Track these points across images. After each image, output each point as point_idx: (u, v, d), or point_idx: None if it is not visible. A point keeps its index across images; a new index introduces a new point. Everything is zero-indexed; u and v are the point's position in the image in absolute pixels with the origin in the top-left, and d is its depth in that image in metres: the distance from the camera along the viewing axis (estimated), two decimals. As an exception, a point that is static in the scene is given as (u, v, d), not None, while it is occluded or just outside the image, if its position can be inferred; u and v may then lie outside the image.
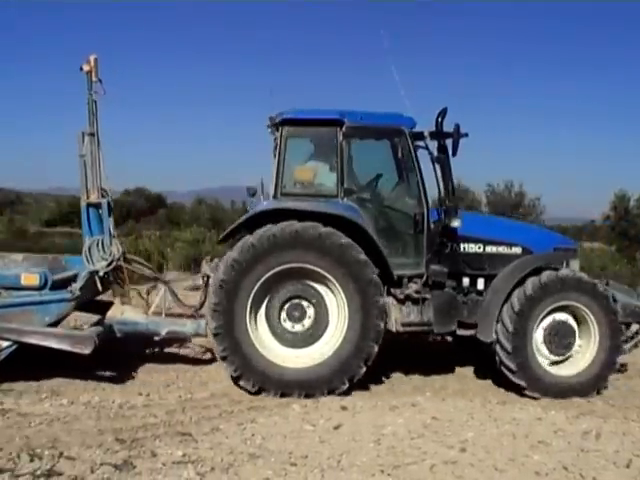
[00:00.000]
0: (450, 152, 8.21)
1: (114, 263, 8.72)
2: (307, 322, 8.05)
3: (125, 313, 8.67)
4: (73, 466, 5.49)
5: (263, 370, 7.79)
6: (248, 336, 7.81)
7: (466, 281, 8.62)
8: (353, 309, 7.83)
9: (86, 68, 8.73)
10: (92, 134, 8.81)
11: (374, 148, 8.99)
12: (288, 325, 8.05)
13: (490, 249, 8.64)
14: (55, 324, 8.14)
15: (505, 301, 8.14)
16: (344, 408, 7.32)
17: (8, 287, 8.15)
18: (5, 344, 7.81)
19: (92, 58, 8.70)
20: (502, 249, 8.65)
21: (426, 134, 8.31)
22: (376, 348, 7.83)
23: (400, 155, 8.48)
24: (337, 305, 7.97)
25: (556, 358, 8.29)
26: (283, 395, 7.75)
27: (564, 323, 8.25)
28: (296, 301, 8.04)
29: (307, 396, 7.73)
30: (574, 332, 8.29)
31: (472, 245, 8.62)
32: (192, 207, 53.62)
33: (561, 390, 8.13)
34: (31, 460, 5.55)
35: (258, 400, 7.66)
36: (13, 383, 7.70)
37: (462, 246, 8.59)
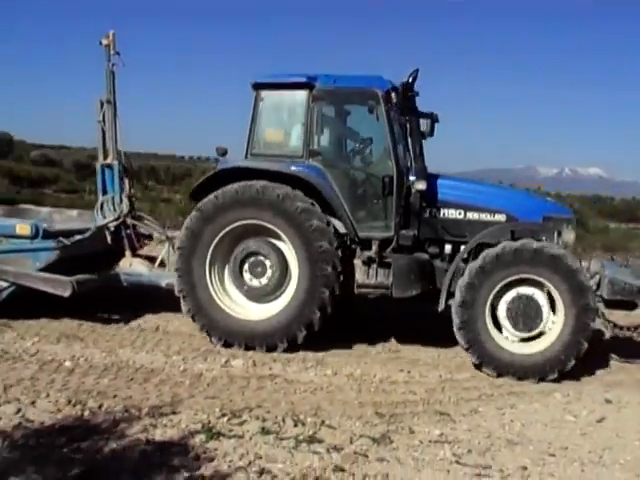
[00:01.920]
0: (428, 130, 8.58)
1: (121, 219, 9.64)
2: (268, 277, 8.25)
3: (132, 265, 9.52)
4: (333, 435, 5.65)
5: (227, 325, 8.17)
6: (210, 294, 8.25)
7: (448, 248, 8.31)
8: (301, 258, 8.02)
9: (105, 42, 9.54)
10: (109, 101, 9.73)
11: (346, 111, 9.05)
12: (250, 280, 8.31)
13: (471, 215, 8.27)
14: (46, 269, 8.81)
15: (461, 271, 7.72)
16: (608, 401, 6.92)
17: (7, 235, 9.04)
18: (4, 285, 8.85)
19: (111, 33, 9.51)
20: (485, 216, 8.25)
21: (394, 96, 8.14)
22: (327, 293, 7.91)
23: (372, 117, 8.24)
24: (292, 257, 8.11)
25: (523, 334, 7.61)
26: (247, 347, 8.06)
27: (528, 297, 7.55)
28: (257, 258, 8.26)
29: (269, 348, 8.01)
30: (540, 307, 7.53)
31: (452, 211, 8.30)
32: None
33: (517, 369, 7.51)
34: (295, 425, 5.79)
35: (519, 385, 7.39)
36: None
37: (442, 212, 8.31)
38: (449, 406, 6.63)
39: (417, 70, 8.18)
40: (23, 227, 9.05)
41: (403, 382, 7.35)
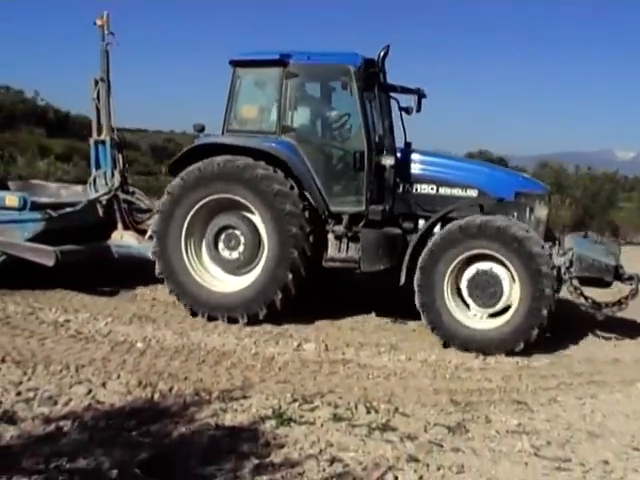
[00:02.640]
0: (416, 108, 8.86)
1: (112, 192, 9.96)
2: (240, 250, 8.39)
3: (123, 237, 9.83)
4: (407, 423, 5.46)
5: (194, 293, 8.44)
6: (182, 261, 8.49)
7: (421, 223, 8.24)
8: (271, 238, 8.16)
9: (99, 22, 9.84)
10: (103, 80, 10.08)
11: (320, 87, 9.13)
12: (225, 253, 8.48)
13: (444, 191, 8.29)
14: (33, 239, 9.11)
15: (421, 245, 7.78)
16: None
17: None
18: None
19: (105, 13, 9.85)
20: (456, 191, 8.26)
21: (367, 72, 8.10)
22: (290, 276, 8.03)
23: (345, 93, 8.38)
24: (263, 228, 8.25)
25: (488, 310, 7.61)
26: (210, 317, 8.29)
27: (485, 272, 7.56)
28: (231, 231, 8.42)
29: (230, 319, 8.20)
30: (499, 281, 7.51)
31: (425, 186, 8.35)
32: (534, 171, 51.91)
33: (482, 344, 7.49)
34: (367, 412, 5.61)
35: (599, 374, 7.08)
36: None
37: (415, 187, 8.36)
38: (526, 395, 6.36)
39: (388, 46, 8.18)
40: (11, 199, 9.35)
41: (479, 369, 7.12)
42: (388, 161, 8.14)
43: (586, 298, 8.01)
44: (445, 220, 8.05)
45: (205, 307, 8.38)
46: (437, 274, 7.60)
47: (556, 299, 7.55)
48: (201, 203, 8.39)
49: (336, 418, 5.43)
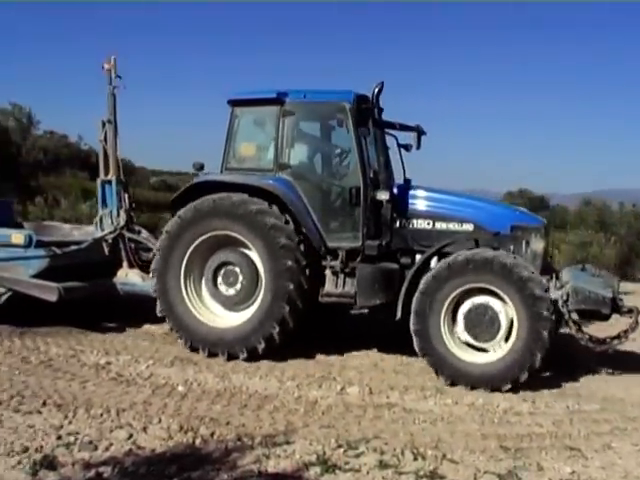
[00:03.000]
0: (416, 145, 9.21)
1: (117, 231, 10.09)
2: (238, 286, 8.52)
3: (128, 275, 9.94)
4: (456, 470, 5.28)
5: (193, 329, 8.55)
6: (182, 298, 8.62)
7: (418, 258, 8.24)
8: (267, 272, 8.25)
9: (107, 66, 10.03)
10: (110, 121, 10.27)
11: (316, 124, 9.27)
12: (223, 289, 8.62)
13: (440, 225, 8.33)
14: (38, 276, 9.29)
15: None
16: None
17: (3, 244, 9.53)
18: (2, 290, 9.44)
19: (112, 58, 10.03)
20: (452, 226, 8.29)
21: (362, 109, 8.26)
22: (287, 309, 8.08)
23: (341, 130, 8.54)
24: (259, 263, 8.36)
25: (484, 345, 7.56)
26: (210, 354, 8.39)
27: (482, 306, 7.52)
28: (229, 267, 8.56)
29: (230, 355, 8.28)
30: (496, 315, 7.45)
31: (421, 221, 8.40)
32: (578, 209, 51.20)
33: (470, 378, 7.43)
34: (414, 459, 5.44)
35: (653, 419, 6.74)
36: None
37: (412, 222, 8.42)
38: (579, 440, 6.08)
39: (382, 82, 8.26)
40: (17, 236, 9.62)
41: (528, 413, 6.85)
42: (383, 196, 8.23)
43: (584, 333, 7.85)
44: (441, 255, 8.06)
45: (205, 343, 8.48)
46: (437, 301, 7.59)
47: (553, 331, 7.44)
48: (198, 240, 8.55)
49: (382, 465, 5.26)
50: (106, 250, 10.11)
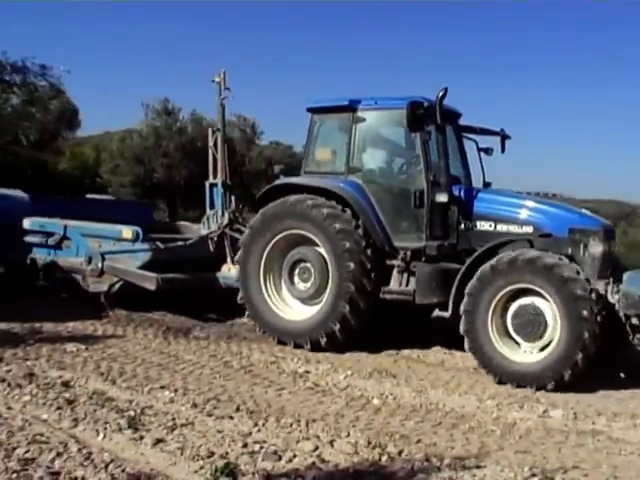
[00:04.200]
0: (500, 149, 10.00)
1: (220, 230, 10.89)
2: (311, 282, 9.10)
3: (230, 270, 10.60)
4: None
5: (267, 319, 9.34)
6: (260, 290, 9.37)
7: None
8: (333, 272, 8.81)
9: (217, 79, 10.92)
10: (219, 130, 11.26)
11: (386, 130, 9.59)
12: (299, 284, 9.27)
13: (501, 228, 8.48)
14: (144, 267, 10.46)
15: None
16: None
17: (116, 238, 10.90)
18: (115, 279, 10.84)
19: (222, 71, 10.88)
20: (513, 228, 8.43)
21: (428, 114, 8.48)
22: (348, 309, 8.62)
23: (408, 135, 8.93)
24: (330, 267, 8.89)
25: (533, 344, 7.60)
26: (279, 342, 9.18)
27: (528, 306, 7.60)
28: (306, 264, 9.15)
29: (296, 345, 9.00)
30: (541, 315, 7.50)
31: (484, 223, 8.58)
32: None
33: (517, 377, 7.53)
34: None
35: None
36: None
37: (475, 224, 8.60)
38: None
39: (446, 88, 8.39)
40: (127, 232, 10.82)
41: None
42: (442, 198, 8.50)
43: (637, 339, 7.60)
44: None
45: (276, 332, 9.25)
46: (483, 301, 7.72)
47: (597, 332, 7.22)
48: (277, 237, 9.27)
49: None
50: (211, 247, 10.96)
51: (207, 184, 11.44)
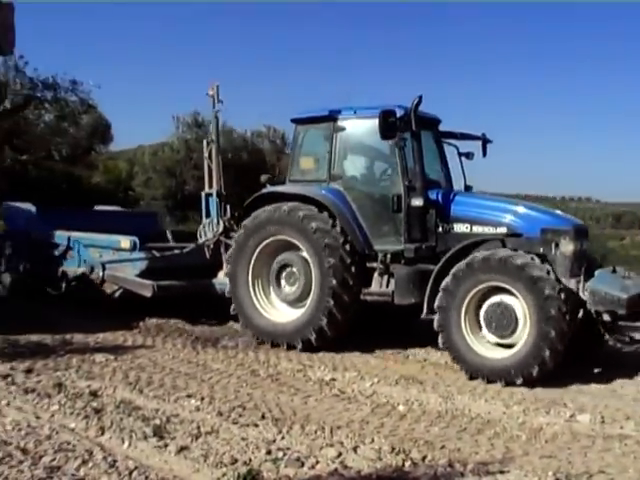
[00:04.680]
0: (482, 153, 10.49)
1: (216, 238, 11.18)
2: (297, 285, 9.54)
3: (225, 276, 10.58)
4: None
5: (259, 324, 9.76)
6: (250, 297, 9.82)
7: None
8: (315, 270, 9.23)
9: (211, 92, 11.34)
10: (213, 141, 11.72)
11: (364, 138, 9.70)
12: (286, 288, 9.75)
13: (477, 229, 8.74)
14: (141, 275, 10.92)
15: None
16: None
17: (114, 248, 11.36)
18: (115, 287, 11.30)
19: (215, 85, 11.33)
20: (488, 229, 8.69)
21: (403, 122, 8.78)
22: (332, 303, 9.00)
23: (383, 142, 9.10)
24: (312, 267, 9.32)
25: (504, 341, 7.94)
26: (273, 344, 9.56)
27: (499, 304, 7.92)
28: (291, 268, 9.63)
29: (289, 346, 9.37)
30: (512, 313, 7.82)
31: (460, 225, 8.84)
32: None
33: (487, 372, 7.85)
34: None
35: None
36: None
37: (453, 226, 8.87)
38: None
39: (420, 96, 8.74)
40: (125, 242, 11.25)
41: None
42: (417, 202, 8.79)
43: (613, 334, 7.92)
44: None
45: (268, 336, 9.63)
46: (457, 298, 8.03)
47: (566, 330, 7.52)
48: (261, 246, 9.71)
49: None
50: (207, 255, 11.26)
51: (203, 194, 11.85)
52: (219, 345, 9.72)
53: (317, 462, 5.32)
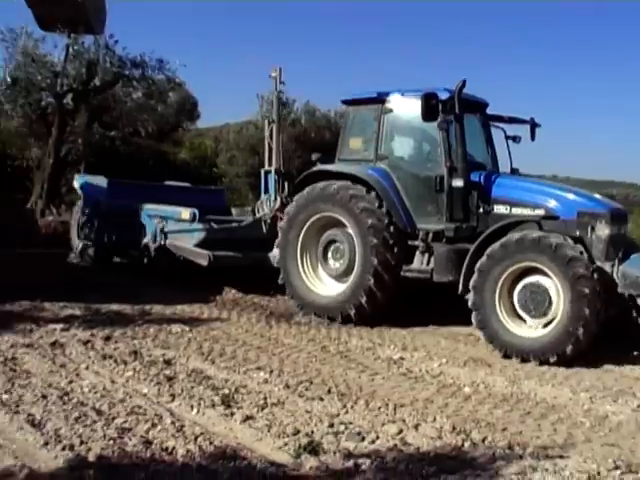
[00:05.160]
0: (530, 137, 10.64)
1: (272, 213, 11.65)
2: (342, 261, 9.88)
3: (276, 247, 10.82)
4: None
5: (304, 295, 10.20)
6: (297, 270, 10.23)
7: None
8: (359, 249, 9.53)
9: (273, 74, 12.14)
10: (274, 121, 12.42)
11: (412, 119, 9.69)
12: (332, 262, 10.09)
13: (515, 211, 8.91)
14: (199, 245, 11.56)
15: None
16: None
17: (175, 219, 12.07)
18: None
19: (278, 67, 12.17)
20: (526, 211, 8.83)
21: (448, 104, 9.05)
22: (373, 281, 9.32)
23: (428, 124, 9.25)
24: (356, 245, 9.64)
25: (538, 320, 8.03)
26: (316, 315, 9.94)
27: (533, 284, 8.03)
28: (337, 244, 9.98)
29: (330, 318, 9.75)
30: (546, 293, 7.93)
31: (500, 206, 9.04)
32: None
33: (521, 351, 7.98)
34: None
35: None
36: None
37: (493, 207, 9.06)
38: None
39: (464, 80, 8.96)
40: (185, 213, 11.93)
41: None
42: (458, 183, 9.05)
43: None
44: None
45: (312, 308, 10.06)
46: (491, 279, 8.17)
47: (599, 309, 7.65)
48: (310, 221, 10.10)
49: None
50: (264, 229, 11.71)
51: (262, 171, 12.43)
52: (292, 321, 9.92)
53: (377, 437, 5.42)
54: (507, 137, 10.42)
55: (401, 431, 5.57)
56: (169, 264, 12.25)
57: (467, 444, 5.36)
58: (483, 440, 5.44)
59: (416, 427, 5.69)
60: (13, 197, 14.51)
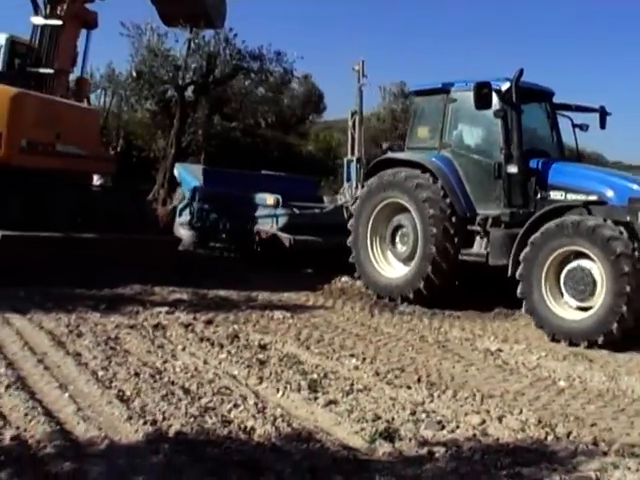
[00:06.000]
0: (599, 125, 10.87)
1: (353, 200, 11.81)
2: (408, 244, 10.33)
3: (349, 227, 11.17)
4: None
5: (371, 275, 10.77)
6: (367, 252, 10.78)
7: None
8: (420, 236, 10.03)
9: (357, 67, 13.31)
10: (356, 112, 13.56)
11: (473, 108, 9.60)
12: (399, 247, 10.58)
13: (570, 197, 9.10)
14: (283, 229, 12.50)
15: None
16: None
17: (262, 205, 12.96)
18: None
19: (361, 61, 13.20)
20: (580, 197, 9.00)
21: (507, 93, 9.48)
22: (430, 268, 9.79)
23: (491, 113, 9.57)
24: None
25: (584, 303, 8.30)
26: (379, 296, 10.58)
27: (576, 268, 8.31)
28: (404, 229, 10.43)
29: (390, 299, 10.37)
30: (590, 276, 8.18)
31: (556, 193, 9.28)
32: None
33: (569, 334, 8.24)
34: None
35: None
36: None
37: (549, 193, 9.34)
38: None
39: (522, 69, 9.28)
40: (270, 199, 12.76)
41: None
42: (512, 169, 9.37)
43: None
44: None
45: (376, 288, 10.70)
46: (538, 264, 8.48)
47: None
48: (380, 206, 10.60)
49: None
50: (346, 215, 11.98)
51: (345, 160, 13.22)
52: (396, 311, 9.99)
53: (457, 427, 5.38)
54: (574, 125, 10.64)
55: (484, 422, 5.51)
56: (280, 252, 12.58)
57: (550, 438, 5.23)
58: (568, 435, 5.30)
59: (500, 419, 5.61)
60: (135, 187, 15.26)
